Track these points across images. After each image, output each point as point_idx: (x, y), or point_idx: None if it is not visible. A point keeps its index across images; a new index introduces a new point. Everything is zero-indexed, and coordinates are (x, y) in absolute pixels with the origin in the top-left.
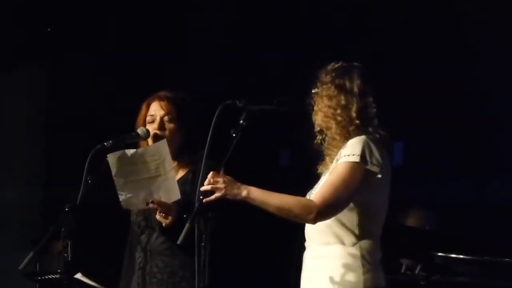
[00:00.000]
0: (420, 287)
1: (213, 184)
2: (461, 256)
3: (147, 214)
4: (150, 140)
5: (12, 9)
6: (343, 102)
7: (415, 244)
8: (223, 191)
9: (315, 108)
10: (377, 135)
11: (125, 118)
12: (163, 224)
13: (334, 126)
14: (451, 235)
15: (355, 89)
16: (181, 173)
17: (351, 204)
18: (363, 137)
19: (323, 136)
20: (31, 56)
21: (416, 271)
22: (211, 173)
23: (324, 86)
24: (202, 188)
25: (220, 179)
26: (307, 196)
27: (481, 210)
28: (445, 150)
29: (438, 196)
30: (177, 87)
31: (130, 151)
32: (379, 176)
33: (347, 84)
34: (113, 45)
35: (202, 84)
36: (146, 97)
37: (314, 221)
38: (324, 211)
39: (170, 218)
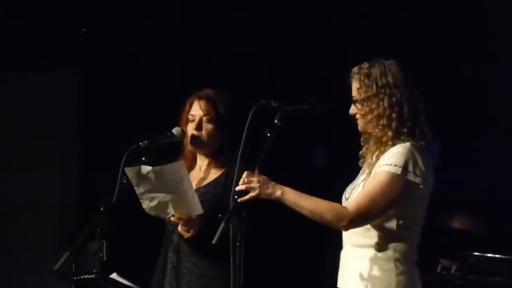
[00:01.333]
0: (456, 287)
1: (247, 183)
2: (497, 256)
3: None
4: (187, 141)
5: (45, 11)
6: (386, 103)
7: (457, 246)
8: (257, 191)
9: (360, 110)
10: (423, 142)
11: (157, 117)
12: (185, 237)
13: (380, 127)
14: (489, 234)
15: (400, 87)
16: (215, 174)
17: (389, 212)
18: (408, 145)
19: (367, 136)
20: (64, 56)
21: (452, 271)
22: (245, 172)
23: (367, 88)
24: (237, 188)
25: (255, 179)
26: (345, 194)
27: None
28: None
29: (475, 194)
30: (214, 86)
31: (146, 169)
32: (421, 186)
33: (391, 82)
34: (145, 45)
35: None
36: (181, 97)
37: (346, 229)
38: (357, 220)
39: (192, 231)
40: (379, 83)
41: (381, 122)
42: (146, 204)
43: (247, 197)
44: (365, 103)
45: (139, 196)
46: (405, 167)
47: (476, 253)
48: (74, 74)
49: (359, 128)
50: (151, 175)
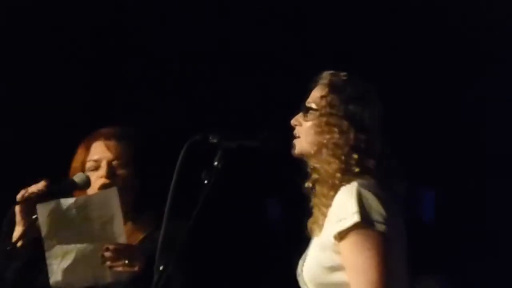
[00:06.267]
0: None
1: None
2: None
3: None
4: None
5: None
6: (329, 135)
7: None
8: None
9: (314, 123)
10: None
11: None
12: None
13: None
14: None
15: (349, 116)
16: (138, 237)
17: None
18: (354, 186)
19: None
20: None
21: None
22: None
23: (316, 113)
24: None
25: None
26: (299, 267)
27: None
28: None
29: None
30: None
31: (67, 202)
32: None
33: (337, 110)
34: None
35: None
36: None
37: None
38: None
39: (137, 264)
40: (327, 110)
41: (333, 150)
42: (54, 267)
43: None
44: (324, 118)
45: (46, 255)
46: (365, 218)
47: None
48: None
49: (296, 150)
50: (74, 211)
